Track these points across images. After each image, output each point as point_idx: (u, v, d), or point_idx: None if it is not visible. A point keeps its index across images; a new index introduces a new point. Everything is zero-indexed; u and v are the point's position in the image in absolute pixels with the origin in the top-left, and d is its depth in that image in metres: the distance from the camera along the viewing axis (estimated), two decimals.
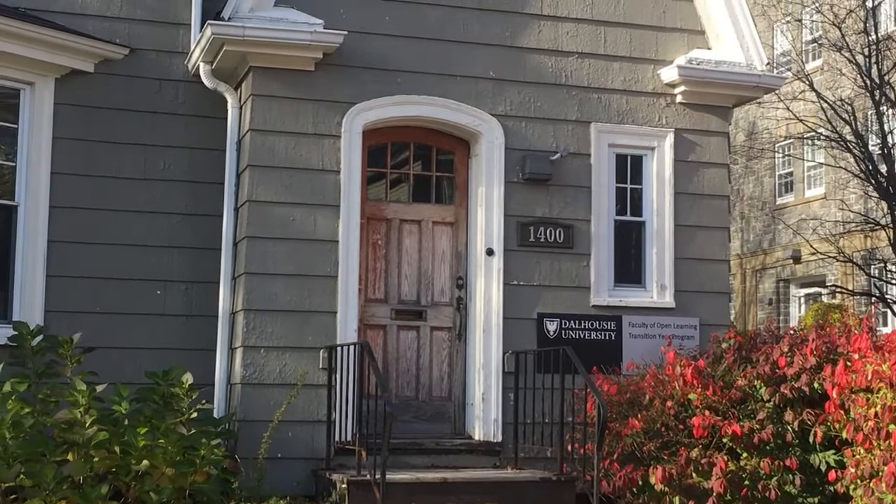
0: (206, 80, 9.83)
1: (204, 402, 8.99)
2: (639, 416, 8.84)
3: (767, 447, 8.54)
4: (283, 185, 9.53)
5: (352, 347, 8.99)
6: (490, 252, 10.00)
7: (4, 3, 9.55)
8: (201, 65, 9.78)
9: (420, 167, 10.37)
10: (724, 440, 8.55)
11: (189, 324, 9.86)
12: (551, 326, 10.06)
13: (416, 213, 10.21)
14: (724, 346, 9.37)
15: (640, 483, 8.63)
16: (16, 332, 8.70)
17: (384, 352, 9.94)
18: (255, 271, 9.41)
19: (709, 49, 10.71)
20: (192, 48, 9.94)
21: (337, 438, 9.07)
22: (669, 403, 8.80)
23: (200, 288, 9.88)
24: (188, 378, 8.71)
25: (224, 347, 9.67)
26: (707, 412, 8.62)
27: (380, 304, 10.02)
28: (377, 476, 8.01)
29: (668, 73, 10.52)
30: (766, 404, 8.68)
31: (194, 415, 8.69)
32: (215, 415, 9.33)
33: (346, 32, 9.57)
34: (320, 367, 9.34)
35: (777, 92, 17.10)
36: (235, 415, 9.26)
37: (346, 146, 9.68)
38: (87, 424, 8.14)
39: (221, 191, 9.82)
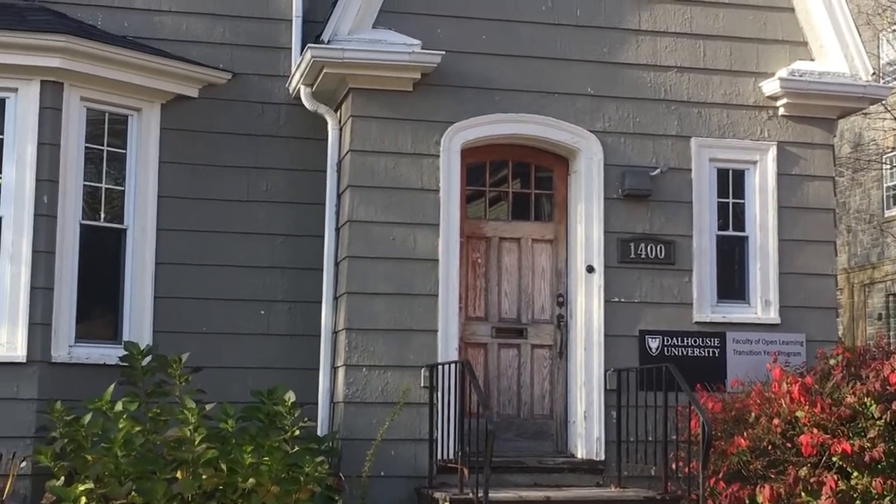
0: (307, 103, 9.98)
1: (307, 420, 9.08)
2: (744, 434, 8.70)
3: (879, 466, 8.33)
4: (383, 204, 9.61)
5: (453, 366, 9.02)
6: (590, 269, 9.95)
7: (112, 32, 9.82)
8: (302, 87, 9.93)
9: (519, 185, 10.37)
10: (834, 459, 8.36)
11: (292, 343, 9.99)
12: (653, 343, 9.96)
13: (515, 231, 10.20)
14: (831, 362, 9.17)
15: (747, 502, 8.48)
16: (127, 353, 8.90)
17: (485, 370, 9.95)
18: (357, 290, 9.51)
19: (812, 60, 10.53)
20: (292, 71, 10.10)
21: (439, 456, 9.09)
22: (776, 421, 8.64)
23: (303, 308, 10.01)
24: (291, 396, 8.81)
25: (327, 366, 9.77)
26: (815, 430, 8.44)
27: (480, 323, 10.03)
28: (480, 494, 8.00)
29: (770, 86, 10.37)
30: (877, 422, 8.47)
31: (297, 433, 8.77)
32: (318, 433, 9.42)
33: (443, 52, 9.64)
34: (422, 385, 9.38)
35: (883, 102, 16.73)
36: (338, 433, 9.35)
37: (444, 165, 9.73)
38: (195, 442, 8.28)
39: (322, 211, 9.94)
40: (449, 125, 9.78)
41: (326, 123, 10.02)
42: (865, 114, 18.61)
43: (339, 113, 10.03)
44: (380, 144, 9.67)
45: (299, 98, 10.01)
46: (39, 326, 9.02)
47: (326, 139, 10.00)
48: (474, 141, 9.92)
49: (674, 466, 8.89)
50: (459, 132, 9.81)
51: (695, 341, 10.05)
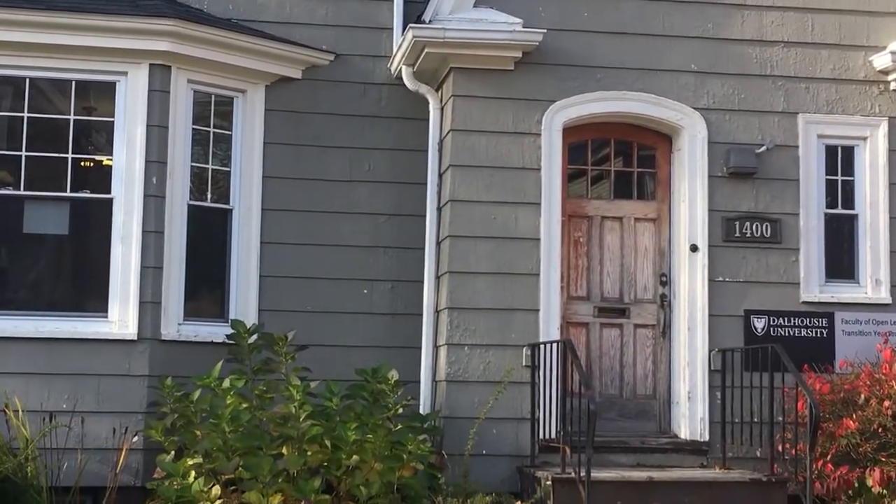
0: (408, 83, 10.01)
1: (410, 398, 9.18)
2: (853, 415, 8.55)
3: None
4: (485, 184, 9.62)
5: (554, 345, 9.00)
6: (694, 248, 9.84)
7: (217, 15, 9.98)
8: (403, 67, 9.97)
9: (621, 163, 10.28)
10: None
11: (394, 322, 10.07)
12: (759, 323, 9.82)
13: (617, 210, 10.13)
14: None
15: (857, 485, 8.34)
16: (233, 331, 9.07)
17: (587, 349, 9.91)
18: (458, 270, 9.53)
19: None
20: (394, 51, 10.15)
21: (541, 436, 9.10)
22: (887, 403, 8.47)
23: (405, 287, 10.08)
24: (394, 375, 8.89)
25: (429, 345, 9.83)
26: None
27: (582, 302, 9.99)
28: (582, 474, 7.99)
29: (881, 60, 10.10)
30: None
31: (400, 411, 8.86)
32: (421, 411, 9.50)
33: (544, 30, 9.59)
34: (523, 364, 9.38)
35: None
36: (440, 411, 9.41)
37: (546, 144, 9.69)
38: (301, 419, 8.42)
39: (424, 191, 9.99)
40: (550, 104, 9.73)
41: (428, 103, 10.04)
42: None
43: (440, 92, 10.05)
44: (481, 124, 9.67)
45: (401, 78, 10.05)
46: (150, 305, 9.23)
47: (428, 119, 10.03)
48: (576, 119, 9.86)
49: (780, 448, 8.77)
50: (561, 110, 9.76)
51: (802, 321, 9.88)
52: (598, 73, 9.85)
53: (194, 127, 9.74)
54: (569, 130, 9.87)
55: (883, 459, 8.31)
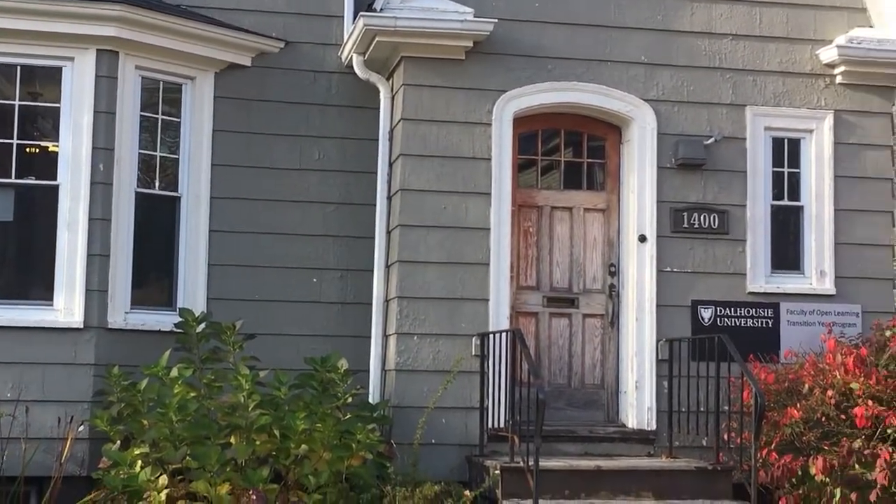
0: (359, 71, 9.98)
1: (359, 387, 9.17)
2: (797, 405, 8.65)
3: None
4: (435, 173, 9.61)
5: (504, 334, 9.03)
6: (643, 238, 9.90)
7: (167, 0, 9.88)
8: (354, 56, 9.93)
9: (571, 154, 10.32)
10: (889, 431, 8.30)
11: (344, 311, 10.05)
12: (706, 313, 9.91)
13: (567, 200, 10.17)
14: (887, 333, 9.09)
15: (800, 473, 8.44)
16: (181, 319, 9.01)
17: (536, 339, 9.95)
18: (408, 259, 9.53)
19: (870, 27, 10.35)
20: (344, 40, 10.11)
21: (490, 425, 9.12)
22: (830, 393, 8.58)
23: (355, 276, 10.06)
24: (343, 364, 8.88)
25: (378, 334, 9.83)
26: (870, 402, 8.38)
27: (531, 292, 10.02)
28: (530, 463, 8.02)
29: (828, 53, 10.22)
30: None
31: (350, 400, 8.85)
32: (370, 400, 9.50)
33: (495, 20, 9.59)
34: (473, 354, 9.40)
35: None
36: (390, 400, 9.41)
37: (496, 134, 9.70)
38: (249, 408, 8.38)
39: (374, 180, 9.97)
40: (501, 93, 9.74)
41: (378, 92, 10.02)
42: None
43: (391, 81, 10.02)
44: (431, 113, 9.66)
45: (351, 67, 10.02)
46: (96, 293, 9.14)
47: (378, 108, 10.01)
48: (526, 109, 9.88)
49: (725, 437, 8.86)
50: (511, 101, 9.77)
51: (748, 312, 9.98)
52: (549, 64, 9.87)
53: (142, 114, 9.63)
54: (519, 120, 9.89)
55: (826, 448, 8.41)
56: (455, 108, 9.68)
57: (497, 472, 8.37)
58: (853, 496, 8.18)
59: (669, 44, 10.10)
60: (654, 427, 9.67)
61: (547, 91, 9.88)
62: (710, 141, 9.98)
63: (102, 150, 9.25)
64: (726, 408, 8.85)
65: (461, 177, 9.63)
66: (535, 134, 10.20)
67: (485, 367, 9.21)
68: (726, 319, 9.94)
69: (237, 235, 9.93)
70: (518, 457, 8.38)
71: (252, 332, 9.06)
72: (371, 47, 9.69)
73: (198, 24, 9.71)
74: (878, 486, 8.12)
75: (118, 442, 8.42)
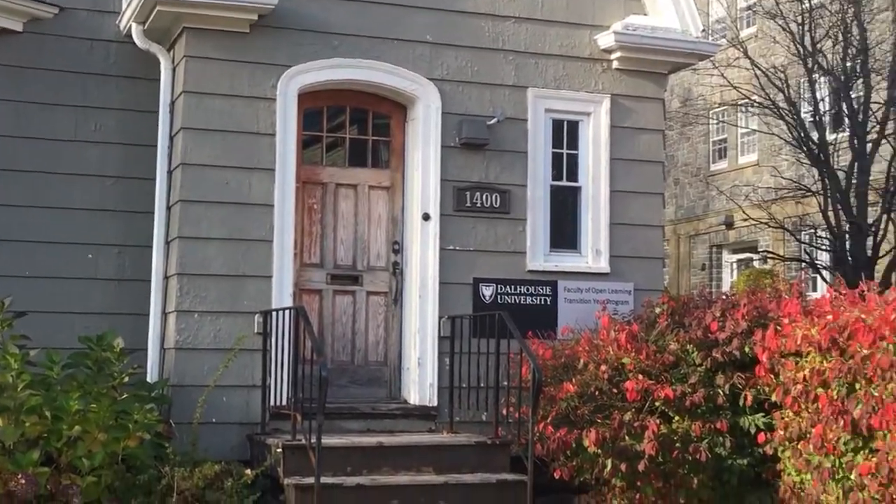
0: (139, 41, 9.68)
1: (137, 366, 8.93)
2: (573, 380, 8.90)
3: (699, 410, 8.65)
4: (218, 148, 9.43)
5: (287, 312, 8.95)
6: (426, 217, 10.00)
7: None
8: (133, 25, 9.62)
9: (356, 131, 10.32)
10: (657, 404, 8.64)
11: (121, 288, 9.76)
12: (487, 291, 10.10)
13: (352, 178, 10.16)
14: (657, 310, 9.45)
15: (574, 446, 8.69)
16: None
17: (320, 316, 9.92)
18: (189, 235, 9.33)
19: (645, 15, 10.74)
20: (123, 7, 9.77)
21: (272, 403, 9.05)
22: (603, 368, 8.86)
23: (133, 252, 9.78)
24: (120, 342, 8.65)
25: (157, 312, 9.59)
26: (640, 376, 8.70)
27: (315, 269, 9.98)
28: (312, 440, 8.00)
29: (605, 39, 10.54)
30: (698, 368, 8.78)
31: (127, 380, 8.63)
32: (149, 379, 9.26)
33: None
34: (255, 331, 9.30)
35: (712, 59, 17.17)
36: (169, 379, 9.20)
37: (281, 109, 9.59)
38: (18, 389, 8.04)
39: (155, 153, 9.70)
40: (286, 68, 9.63)
41: (159, 63, 9.75)
42: (695, 70, 19.13)
43: (172, 52, 9.76)
44: (215, 86, 9.46)
45: (130, 36, 9.71)
46: None
47: (159, 79, 9.73)
48: (312, 85, 9.80)
49: (505, 412, 9.06)
50: (297, 76, 9.68)
51: (527, 289, 10.23)
52: (335, 40, 9.82)
53: None
54: (305, 96, 9.80)
55: (599, 421, 8.69)
56: (239, 82, 9.52)
57: (279, 450, 8.32)
58: (623, 466, 8.49)
59: (455, 24, 10.20)
60: (435, 403, 9.81)
61: (333, 67, 9.83)
62: (492, 121, 10.16)
63: None
64: (506, 383, 9.05)
65: (245, 152, 9.48)
66: (320, 110, 10.14)
67: (267, 344, 9.12)
68: (507, 297, 10.15)
69: (8, 209, 9.50)
70: (300, 434, 8.34)
71: (22, 311, 8.67)
72: (151, 17, 9.40)
73: None
74: (647, 456, 8.45)
75: None
